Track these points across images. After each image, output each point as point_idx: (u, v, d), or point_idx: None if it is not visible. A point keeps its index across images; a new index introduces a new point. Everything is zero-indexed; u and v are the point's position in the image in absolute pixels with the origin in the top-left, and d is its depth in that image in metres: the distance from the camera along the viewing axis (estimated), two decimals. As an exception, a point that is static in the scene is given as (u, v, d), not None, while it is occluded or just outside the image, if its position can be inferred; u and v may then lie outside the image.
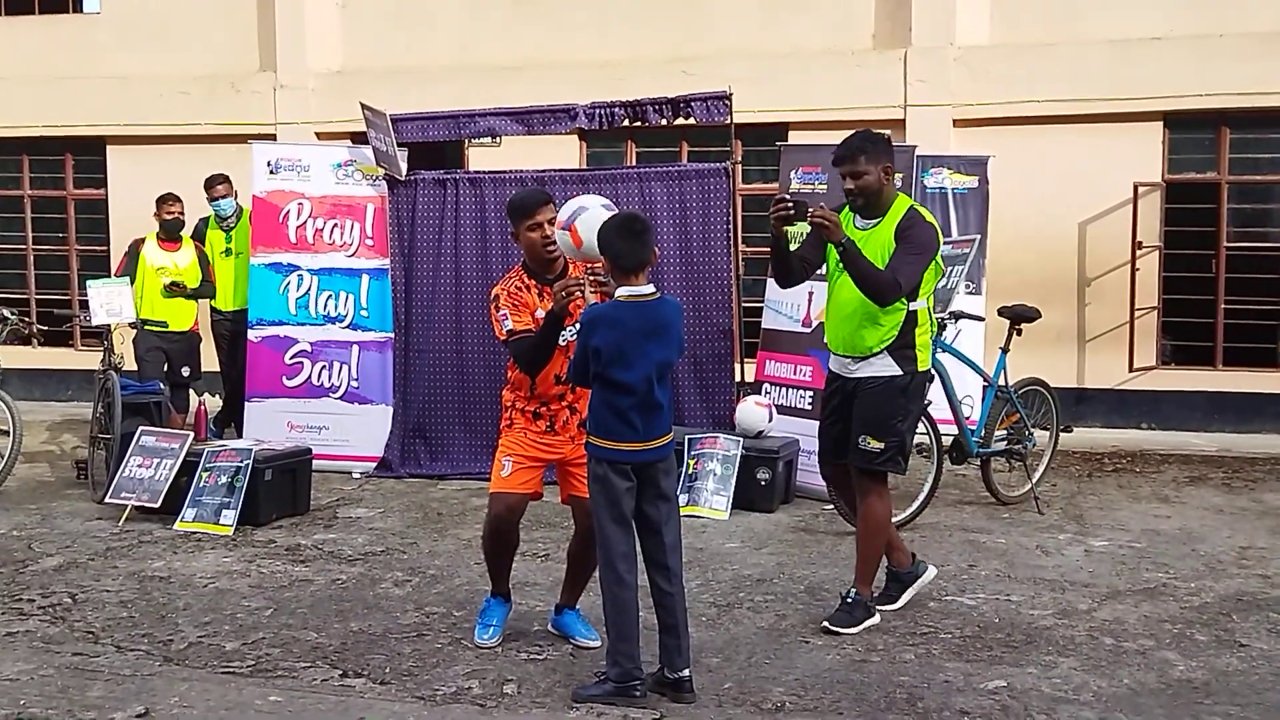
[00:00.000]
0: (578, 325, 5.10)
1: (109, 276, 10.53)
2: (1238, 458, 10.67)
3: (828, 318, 6.12)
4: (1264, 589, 6.65)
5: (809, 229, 5.89)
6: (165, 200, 10.19)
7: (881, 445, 5.91)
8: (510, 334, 5.39)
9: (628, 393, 4.85)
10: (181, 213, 10.21)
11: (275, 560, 7.22)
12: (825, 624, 5.86)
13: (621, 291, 4.91)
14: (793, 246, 6.13)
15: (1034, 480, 8.78)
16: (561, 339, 5.30)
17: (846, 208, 5.98)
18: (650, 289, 4.95)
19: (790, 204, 5.66)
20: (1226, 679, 5.27)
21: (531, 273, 5.52)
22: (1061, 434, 9.30)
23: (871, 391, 5.91)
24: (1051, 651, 5.60)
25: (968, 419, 8.72)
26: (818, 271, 6.21)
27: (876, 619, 5.96)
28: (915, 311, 5.88)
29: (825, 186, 9.00)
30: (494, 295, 5.50)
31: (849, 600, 5.96)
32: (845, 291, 5.86)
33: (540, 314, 5.37)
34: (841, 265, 5.79)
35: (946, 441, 8.32)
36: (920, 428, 8.10)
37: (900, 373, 5.90)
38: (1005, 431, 8.70)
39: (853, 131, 6.03)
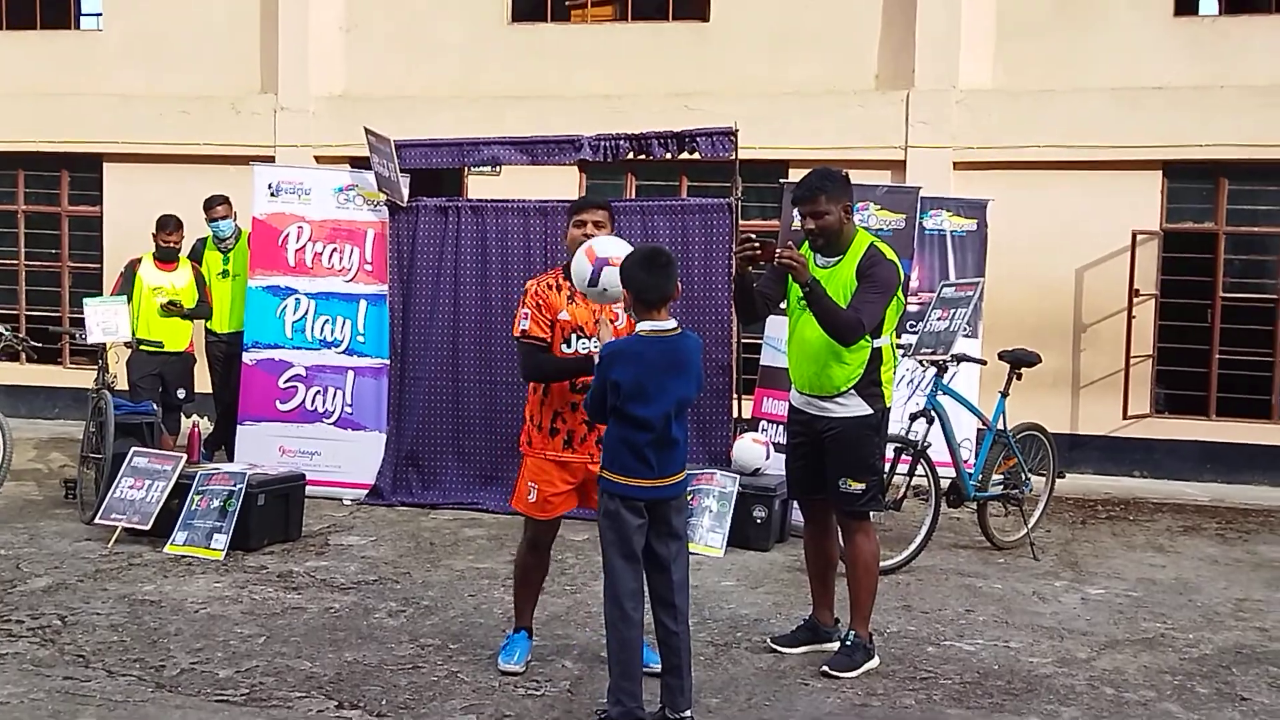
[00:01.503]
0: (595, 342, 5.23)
1: (102, 294, 10.47)
2: (1231, 508, 10.67)
3: (790, 356, 6.06)
4: (1262, 642, 6.62)
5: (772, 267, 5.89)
6: (165, 227, 10.00)
7: (863, 486, 5.89)
8: (523, 334, 5.50)
9: (645, 428, 4.81)
10: (179, 242, 10.09)
11: (267, 586, 7.13)
12: (824, 668, 5.80)
13: (643, 326, 4.88)
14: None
15: (1030, 525, 8.75)
16: (584, 347, 5.43)
17: (806, 244, 5.96)
18: (672, 324, 4.92)
19: (757, 244, 5.63)
20: (1230, 733, 5.24)
21: (569, 274, 5.52)
22: (1056, 480, 9.28)
23: (844, 433, 5.87)
24: (1053, 700, 5.55)
25: (965, 462, 8.70)
26: (779, 306, 6.19)
27: (875, 662, 5.91)
28: (879, 349, 5.86)
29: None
30: (525, 288, 5.62)
31: (848, 643, 5.91)
32: (809, 330, 5.83)
33: (564, 316, 5.47)
34: (804, 303, 5.77)
35: (944, 485, 8.28)
36: (919, 470, 8.13)
37: (870, 411, 5.88)
38: (1002, 476, 8.68)
39: (810, 170, 6.04)
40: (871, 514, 6.08)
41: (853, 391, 5.86)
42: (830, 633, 6.15)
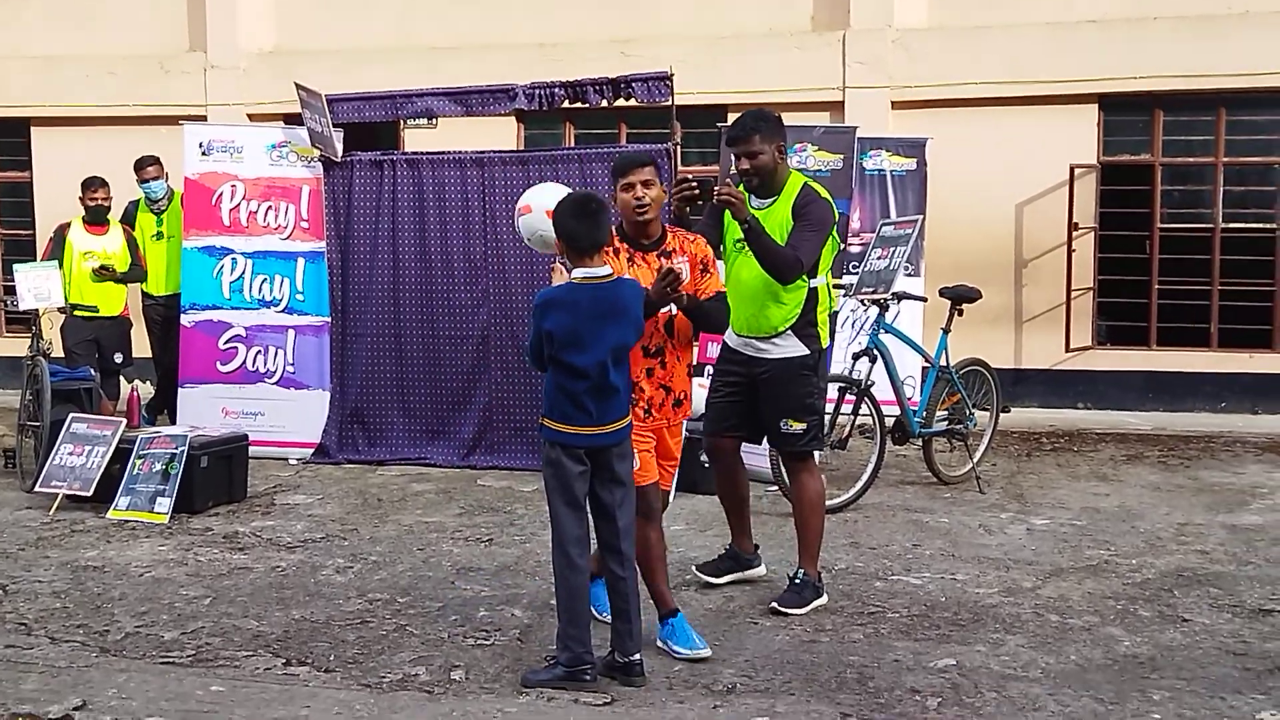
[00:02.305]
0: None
1: (35, 260, 10.29)
2: (1173, 436, 10.81)
3: (729, 298, 6.07)
4: (1203, 564, 6.72)
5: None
6: (90, 185, 9.92)
7: (804, 426, 5.94)
8: None
9: (581, 376, 4.77)
10: (107, 198, 9.96)
11: (213, 548, 7.07)
12: (773, 605, 5.84)
13: (577, 273, 4.84)
14: None
15: (975, 460, 8.82)
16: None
17: (741, 185, 5.95)
18: (606, 270, 4.88)
19: (695, 183, 5.65)
20: (1171, 654, 5.31)
21: (625, 236, 5.38)
22: (1000, 414, 9.35)
23: (782, 374, 5.91)
24: (999, 629, 5.61)
25: (910, 399, 8.75)
26: (718, 250, 6.18)
27: (824, 599, 5.95)
28: (815, 289, 5.90)
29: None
30: None
31: (796, 581, 5.95)
32: (746, 271, 5.86)
33: (626, 278, 5.21)
34: (742, 244, 5.79)
35: (889, 422, 8.33)
36: (864, 409, 8.16)
37: (807, 352, 5.92)
38: (946, 412, 8.75)
39: (744, 111, 6.02)
40: (815, 453, 6.11)
41: (789, 332, 5.89)
42: (751, 560, 6.26)
